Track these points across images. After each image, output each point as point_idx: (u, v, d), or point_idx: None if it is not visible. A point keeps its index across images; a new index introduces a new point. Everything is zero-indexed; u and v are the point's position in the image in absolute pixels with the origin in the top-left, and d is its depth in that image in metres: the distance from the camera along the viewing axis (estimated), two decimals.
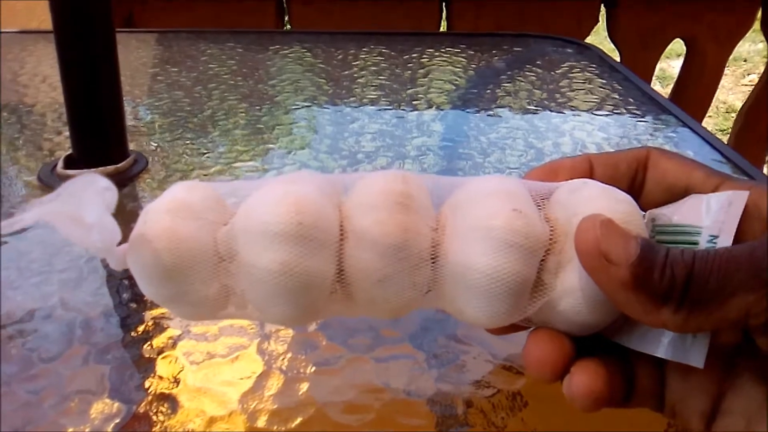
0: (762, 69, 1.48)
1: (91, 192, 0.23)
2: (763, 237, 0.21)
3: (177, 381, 0.33)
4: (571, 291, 0.24)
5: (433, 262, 0.25)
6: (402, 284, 0.24)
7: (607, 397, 0.24)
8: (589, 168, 0.27)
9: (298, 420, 0.31)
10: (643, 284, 0.21)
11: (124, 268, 0.25)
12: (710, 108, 1.48)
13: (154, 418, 0.31)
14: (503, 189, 0.25)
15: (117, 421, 0.30)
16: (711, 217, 0.23)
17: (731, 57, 1.39)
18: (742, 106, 1.40)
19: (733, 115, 2.26)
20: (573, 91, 0.74)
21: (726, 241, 0.23)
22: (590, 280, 0.23)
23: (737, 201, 0.23)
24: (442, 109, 0.69)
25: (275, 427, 0.30)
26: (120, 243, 0.24)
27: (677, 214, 0.25)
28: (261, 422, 0.30)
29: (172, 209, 0.24)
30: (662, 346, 0.24)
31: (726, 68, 1.40)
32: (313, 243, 0.23)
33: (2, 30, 0.90)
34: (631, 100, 0.72)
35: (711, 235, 0.23)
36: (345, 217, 0.25)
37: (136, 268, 0.24)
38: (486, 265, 0.23)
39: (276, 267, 0.23)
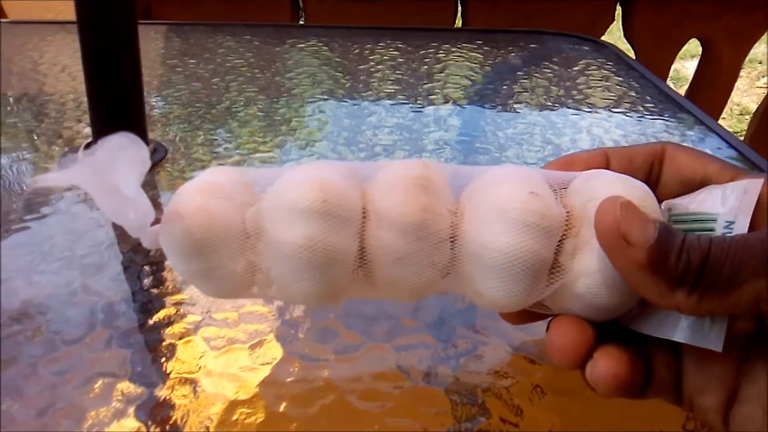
0: None
1: (127, 160, 0.23)
2: None
3: (198, 365, 0.33)
4: (588, 273, 0.24)
5: (452, 243, 0.25)
6: (421, 264, 0.25)
7: (630, 383, 0.24)
8: (605, 161, 0.28)
9: (318, 406, 0.31)
10: (659, 267, 0.21)
11: (157, 247, 0.25)
12: (724, 110, 1.47)
13: (176, 401, 0.31)
14: (520, 175, 0.25)
15: (139, 403, 0.31)
16: (727, 204, 0.24)
17: (746, 59, 1.38)
18: (757, 108, 1.39)
19: (748, 117, 2.24)
20: (590, 88, 0.74)
21: (742, 224, 0.23)
22: (607, 262, 0.23)
23: (752, 188, 0.24)
24: (458, 105, 0.69)
25: (295, 413, 0.30)
26: (153, 223, 0.25)
27: (694, 203, 0.25)
28: (281, 407, 0.31)
29: (203, 189, 0.25)
30: (680, 330, 0.24)
31: (741, 70, 1.39)
32: (337, 220, 0.24)
33: (22, 20, 0.90)
34: (648, 98, 0.72)
35: (727, 221, 0.23)
36: (367, 201, 0.26)
37: (168, 243, 0.25)
38: (504, 244, 0.24)
39: (301, 241, 0.24)
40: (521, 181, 0.25)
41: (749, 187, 0.24)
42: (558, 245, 0.25)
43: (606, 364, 0.24)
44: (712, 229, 0.24)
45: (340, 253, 0.24)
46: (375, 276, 0.26)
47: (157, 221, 0.25)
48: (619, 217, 0.22)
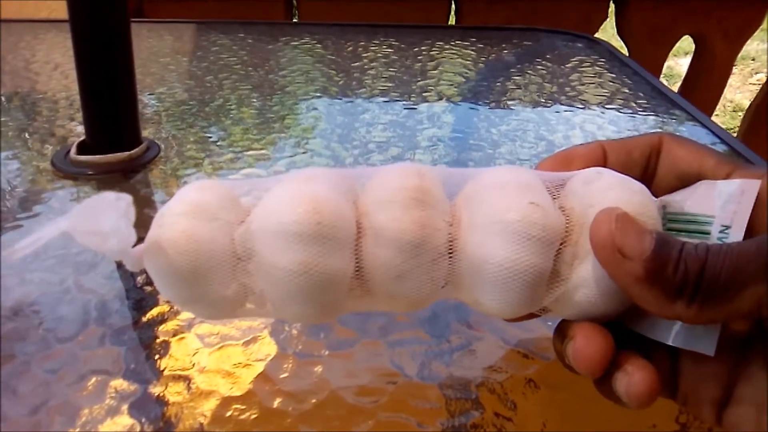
0: None
1: (106, 205, 0.23)
2: None
3: (192, 362, 0.33)
4: (587, 283, 0.24)
5: (449, 256, 0.25)
6: (420, 279, 0.24)
7: (659, 393, 0.24)
8: (602, 155, 0.27)
9: (312, 402, 0.31)
10: (657, 279, 0.21)
11: (141, 269, 0.24)
12: (717, 107, 1.47)
13: (170, 398, 0.31)
14: (518, 181, 0.25)
15: (132, 400, 0.31)
16: (723, 207, 0.23)
17: (739, 55, 1.39)
18: (750, 105, 1.40)
19: (741, 114, 2.25)
20: (583, 84, 0.74)
21: (738, 231, 0.23)
22: (605, 273, 0.23)
23: (749, 190, 0.23)
24: (452, 102, 0.69)
25: (289, 409, 0.30)
26: (136, 243, 0.24)
27: (689, 200, 0.25)
28: (275, 404, 0.31)
29: (187, 212, 0.24)
30: (673, 334, 0.24)
31: (734, 67, 1.39)
32: (332, 242, 0.23)
33: (14, 19, 0.90)
34: (641, 94, 0.72)
35: (723, 225, 0.23)
36: (362, 213, 0.25)
37: (155, 272, 0.24)
38: (504, 258, 0.23)
39: (296, 267, 0.23)
40: (519, 188, 0.24)
41: (746, 188, 0.23)
42: (557, 253, 0.24)
43: (643, 378, 0.23)
44: (707, 232, 0.23)
45: (336, 275, 0.23)
46: (372, 292, 0.25)
47: (140, 240, 0.24)
48: (614, 230, 0.22)
